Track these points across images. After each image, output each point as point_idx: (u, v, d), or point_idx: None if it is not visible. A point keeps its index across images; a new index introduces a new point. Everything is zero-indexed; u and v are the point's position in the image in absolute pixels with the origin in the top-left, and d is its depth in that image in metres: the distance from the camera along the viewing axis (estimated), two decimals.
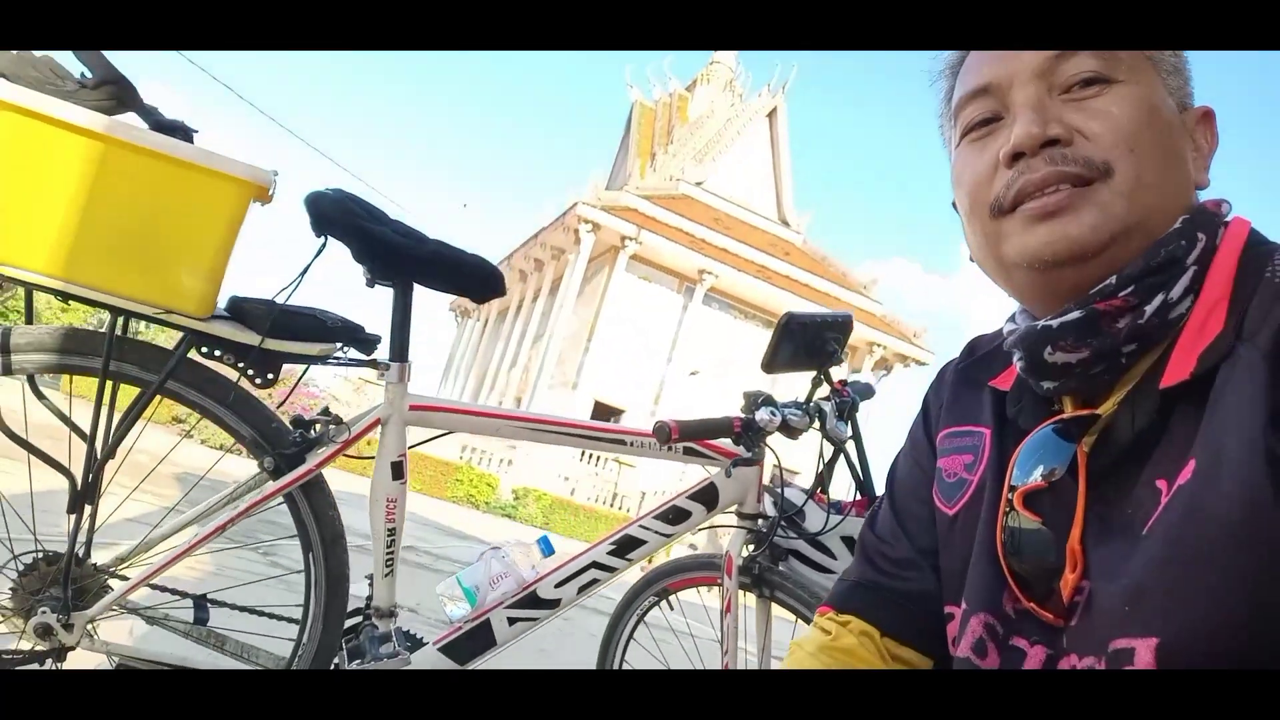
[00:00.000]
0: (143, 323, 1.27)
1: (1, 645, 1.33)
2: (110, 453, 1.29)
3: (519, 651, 1.55)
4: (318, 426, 1.38)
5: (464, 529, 10.08)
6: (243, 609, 1.44)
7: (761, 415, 1.49)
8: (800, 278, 23.10)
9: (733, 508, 1.64)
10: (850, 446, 1.64)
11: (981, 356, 0.80)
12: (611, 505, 18.15)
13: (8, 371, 1.24)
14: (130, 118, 1.19)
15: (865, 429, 1.69)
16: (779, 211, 25.84)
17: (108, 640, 1.33)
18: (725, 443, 1.59)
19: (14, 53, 1.11)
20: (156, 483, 1.54)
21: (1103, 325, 0.60)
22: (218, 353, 1.28)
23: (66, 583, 1.27)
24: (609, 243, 21.55)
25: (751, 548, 1.62)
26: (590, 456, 19.89)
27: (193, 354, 1.29)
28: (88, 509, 1.28)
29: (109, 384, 1.27)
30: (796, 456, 1.62)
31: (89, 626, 1.30)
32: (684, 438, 1.41)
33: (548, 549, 1.61)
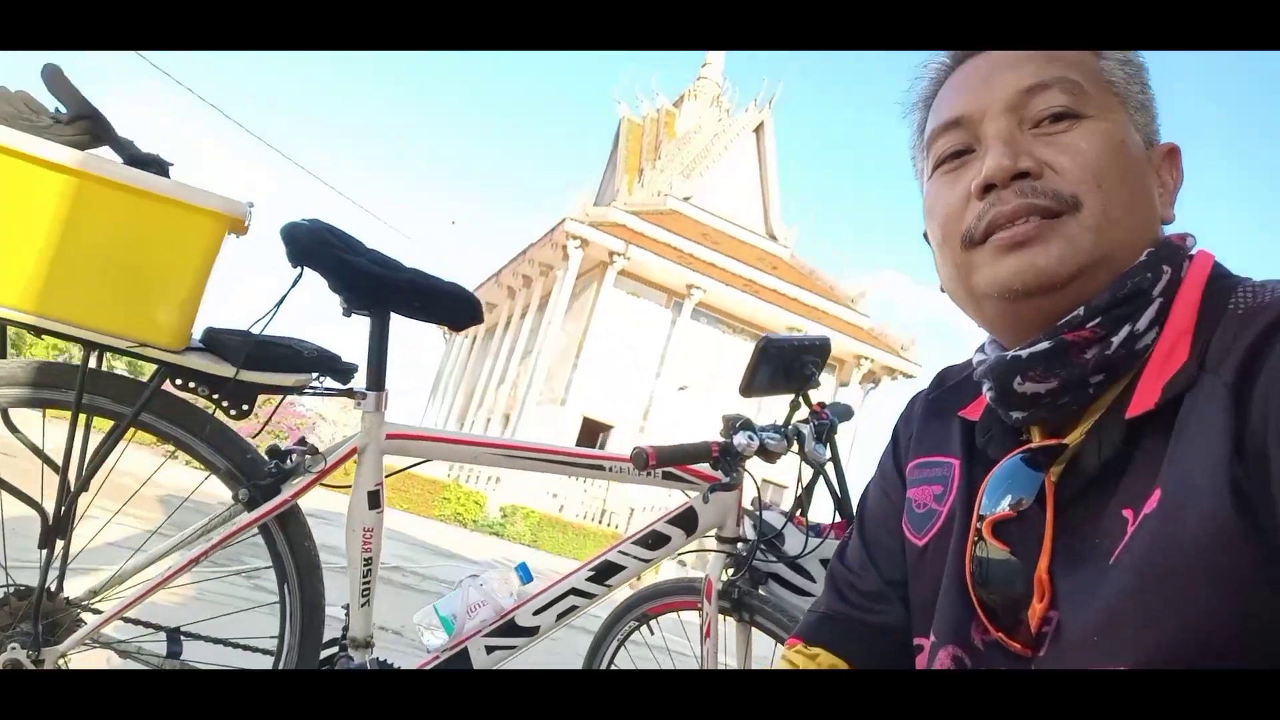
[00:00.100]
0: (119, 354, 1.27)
1: None
2: (84, 486, 1.28)
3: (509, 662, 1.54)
4: (293, 457, 1.38)
5: (451, 548, 10.02)
6: (217, 641, 1.43)
7: (739, 440, 1.49)
8: (788, 292, 23.16)
9: (712, 531, 1.64)
10: (829, 469, 1.65)
11: (951, 387, 0.81)
12: (600, 522, 18.08)
13: None
14: (105, 151, 1.19)
15: (852, 442, 1.70)
16: (767, 226, 25.94)
17: None
18: (705, 466, 1.59)
19: None
20: (139, 505, 1.53)
21: (1071, 356, 0.61)
22: (192, 385, 1.27)
23: (37, 619, 1.25)
24: (597, 258, 21.57)
25: (731, 572, 1.62)
26: None
27: (167, 386, 1.28)
28: (59, 543, 1.27)
29: (83, 417, 1.26)
30: (783, 469, 1.62)
31: (60, 661, 1.29)
32: (661, 464, 1.41)
33: (526, 576, 1.61)
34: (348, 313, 1.35)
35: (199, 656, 1.43)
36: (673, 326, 22.45)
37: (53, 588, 1.30)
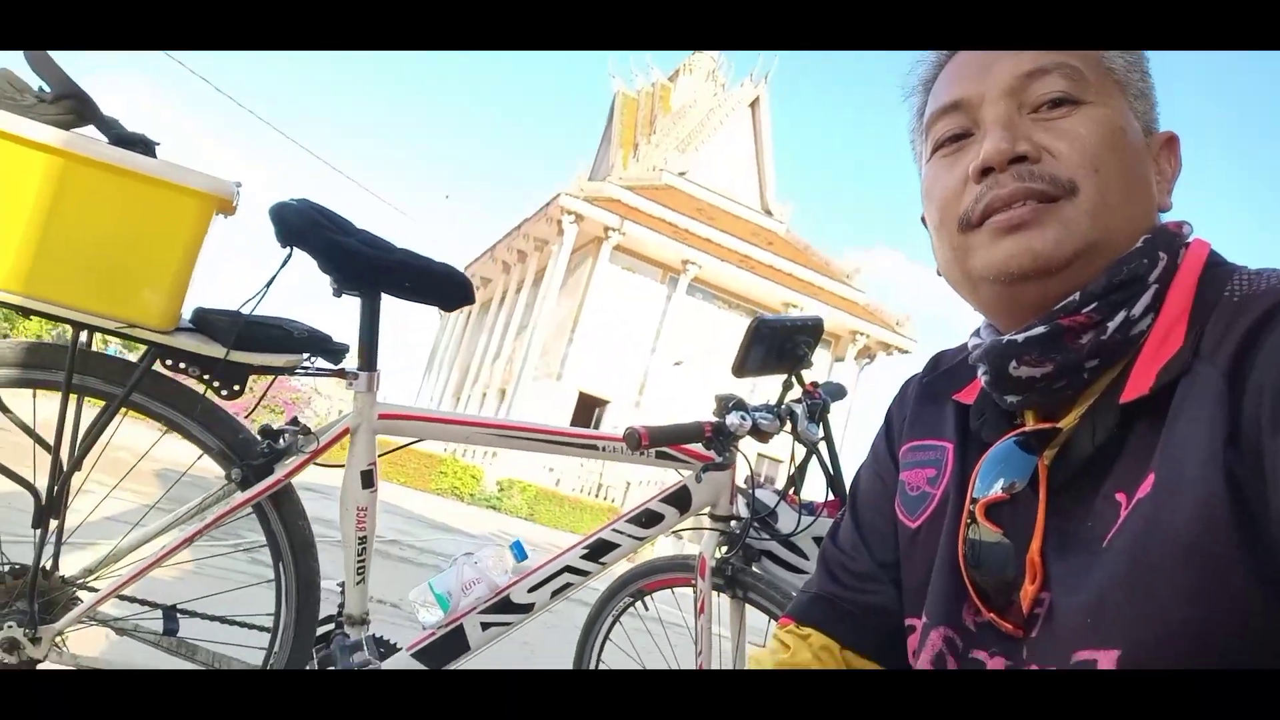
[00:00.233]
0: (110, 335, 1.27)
1: None
2: (76, 465, 1.28)
3: (503, 644, 1.55)
4: (286, 436, 1.38)
5: (448, 521, 10.07)
6: (213, 618, 1.44)
7: (732, 420, 1.50)
8: (783, 267, 23.14)
9: (706, 509, 1.65)
10: (822, 448, 1.65)
11: (945, 371, 0.81)
12: (596, 496, 18.17)
13: None
14: (91, 131, 1.18)
15: (847, 417, 1.71)
16: (762, 201, 25.86)
17: (76, 653, 1.32)
18: (698, 446, 1.60)
19: None
20: (134, 479, 1.53)
21: (1066, 341, 0.61)
22: (183, 365, 1.27)
23: (33, 597, 1.26)
24: (592, 233, 21.50)
25: (725, 549, 1.63)
26: None
27: (158, 366, 1.28)
28: (53, 523, 1.27)
29: (73, 397, 1.26)
30: (779, 444, 1.63)
31: (57, 639, 1.30)
32: (654, 444, 1.41)
33: (521, 554, 1.61)
34: (338, 293, 1.34)
35: (196, 633, 1.44)
36: (668, 302, 22.43)
37: (48, 566, 1.30)
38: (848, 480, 1.64)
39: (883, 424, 0.88)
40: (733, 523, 1.63)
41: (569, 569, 1.58)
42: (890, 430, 0.85)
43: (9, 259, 1.12)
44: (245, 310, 1.29)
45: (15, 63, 1.14)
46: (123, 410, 1.30)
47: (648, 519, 1.61)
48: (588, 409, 21.88)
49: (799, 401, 1.62)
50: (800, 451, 1.64)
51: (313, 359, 1.37)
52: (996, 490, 0.64)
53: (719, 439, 1.49)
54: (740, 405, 1.53)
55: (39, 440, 1.30)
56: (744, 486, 1.66)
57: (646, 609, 1.78)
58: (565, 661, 1.84)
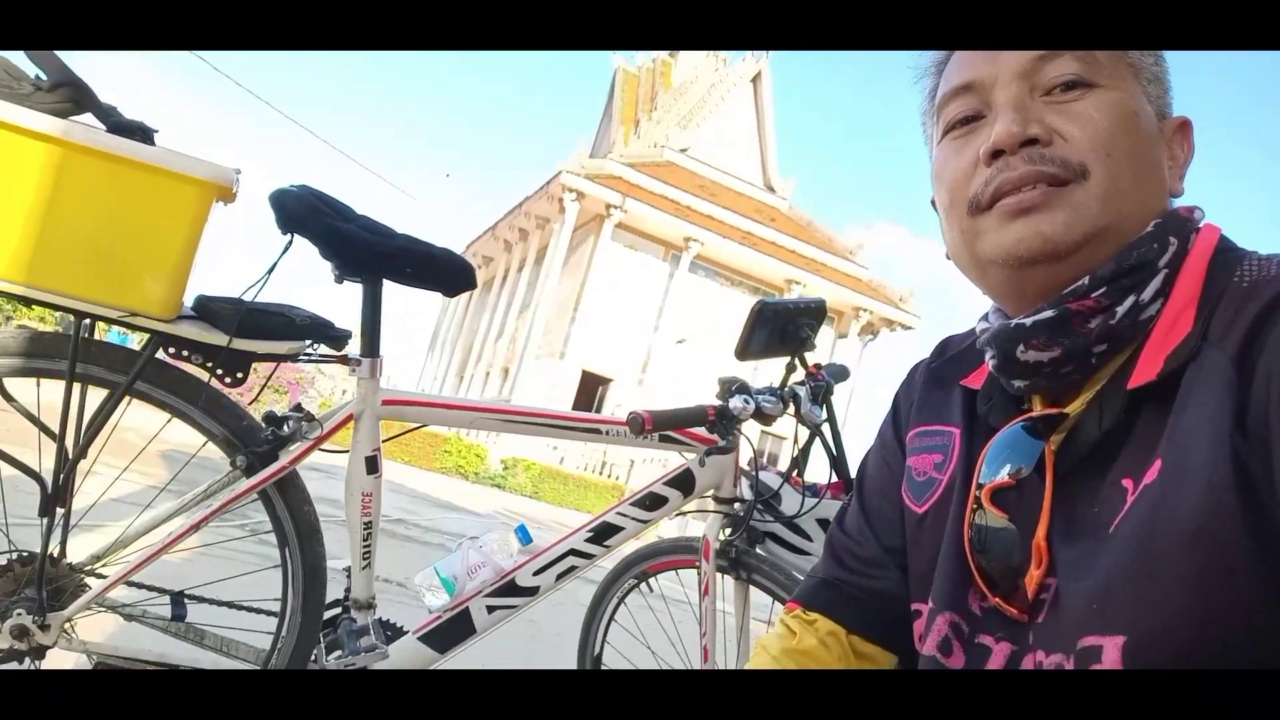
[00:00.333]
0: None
1: None
2: (81, 453, 1.29)
3: (509, 623, 1.56)
4: (289, 423, 1.38)
5: (453, 500, 10.12)
6: (220, 603, 1.45)
7: (735, 403, 1.50)
8: (786, 244, 23.03)
9: (709, 492, 1.65)
10: (825, 429, 1.65)
11: (953, 356, 0.81)
12: (600, 474, 18.23)
13: None
14: (88, 119, 1.17)
15: (850, 395, 1.72)
16: (764, 177, 25.70)
17: (85, 639, 1.33)
18: (701, 429, 1.60)
19: None
20: (141, 461, 1.54)
21: (1075, 325, 0.61)
22: (186, 353, 1.27)
23: (40, 585, 1.27)
24: (594, 211, 21.41)
25: (728, 531, 1.63)
26: None
27: (161, 354, 1.28)
28: (59, 511, 1.28)
29: (77, 386, 1.26)
30: (783, 421, 1.63)
31: (66, 626, 1.31)
32: (657, 428, 1.42)
33: (525, 538, 1.62)
34: (340, 280, 1.34)
35: (204, 619, 1.45)
36: (670, 279, 22.37)
37: (55, 553, 1.31)
38: (851, 461, 1.65)
39: (890, 409, 0.88)
40: (736, 505, 1.63)
41: (574, 552, 1.58)
42: (897, 416, 0.85)
43: (9, 249, 1.11)
44: (247, 297, 1.29)
45: (12, 51, 1.13)
46: (127, 397, 1.30)
47: (651, 502, 1.62)
48: (591, 387, 21.91)
49: (802, 384, 1.62)
50: (804, 434, 1.64)
51: (315, 345, 1.37)
52: (1003, 476, 0.64)
53: (722, 422, 1.49)
54: (743, 388, 1.53)
55: (44, 429, 1.31)
56: (747, 469, 1.66)
57: (651, 590, 1.80)
58: (572, 638, 1.86)
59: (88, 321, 1.25)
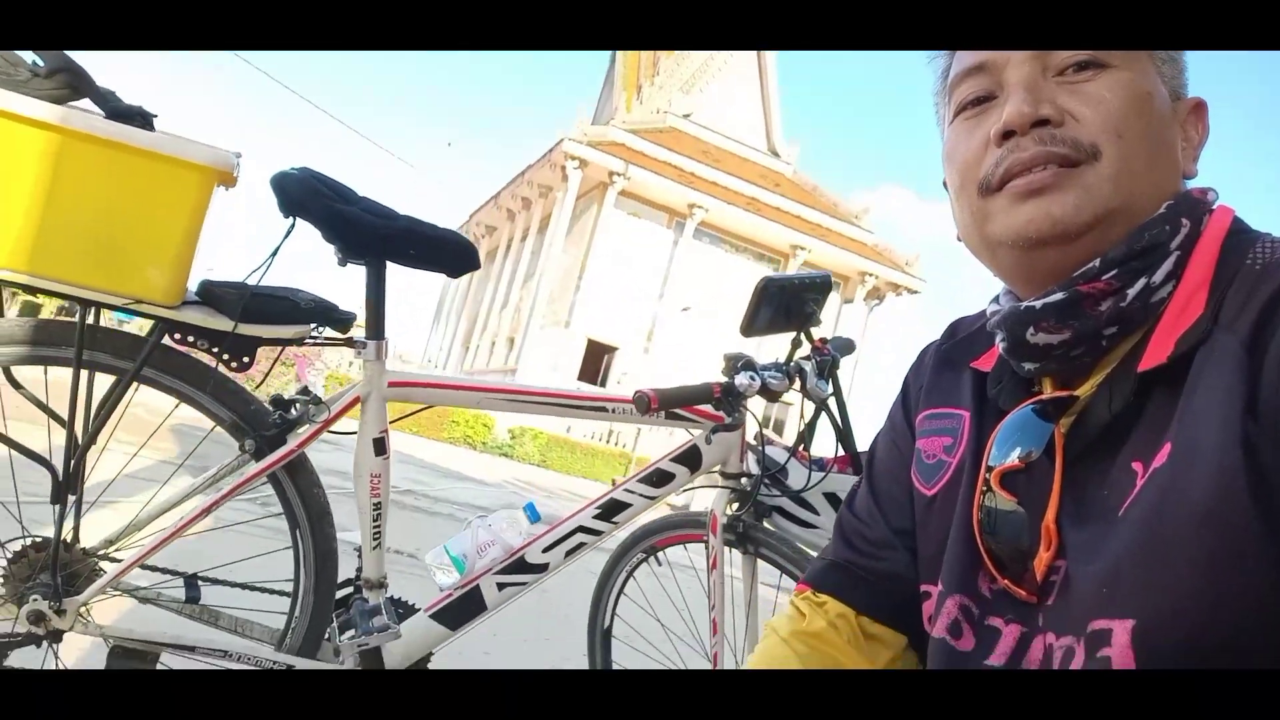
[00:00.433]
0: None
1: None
2: (91, 440, 1.29)
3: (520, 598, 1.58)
4: (296, 406, 1.38)
5: (462, 470, 10.19)
6: (234, 585, 1.46)
7: (741, 380, 1.49)
8: (791, 209, 22.89)
9: (716, 468, 1.66)
10: (832, 403, 1.65)
11: (963, 338, 0.80)
12: (607, 442, 18.31)
13: None
14: (87, 104, 1.16)
15: (856, 361, 1.71)
16: (768, 142, 25.47)
17: (102, 623, 1.35)
18: (708, 405, 1.60)
19: None
20: (157, 438, 1.55)
21: (1085, 307, 0.61)
22: (191, 339, 1.27)
23: (55, 572, 1.28)
24: (597, 179, 21.28)
25: (735, 506, 1.64)
26: None
27: (166, 340, 1.28)
28: (71, 497, 1.29)
29: (84, 373, 1.26)
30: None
31: (82, 610, 1.32)
32: (663, 406, 1.42)
33: (534, 515, 1.63)
34: (343, 263, 1.34)
35: (218, 600, 1.47)
36: (675, 247, 22.28)
37: (68, 539, 1.32)
38: (858, 433, 1.65)
39: (899, 392, 0.87)
40: (743, 480, 1.64)
41: (582, 529, 1.59)
42: (907, 398, 0.85)
43: (10, 238, 1.11)
44: (250, 282, 1.28)
45: None
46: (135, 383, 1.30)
47: (659, 478, 1.62)
48: (596, 356, 21.93)
49: (808, 359, 1.62)
50: (810, 408, 1.64)
51: (320, 329, 1.37)
52: (1013, 459, 0.64)
53: (728, 399, 1.49)
54: (749, 365, 1.52)
55: (53, 415, 1.31)
56: (754, 443, 1.66)
57: (660, 564, 1.81)
58: (583, 606, 1.87)
59: (92, 308, 1.25)
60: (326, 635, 1.46)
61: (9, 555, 1.31)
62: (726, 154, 23.57)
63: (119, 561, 1.34)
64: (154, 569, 1.43)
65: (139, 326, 1.38)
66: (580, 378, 21.18)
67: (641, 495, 1.62)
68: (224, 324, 1.26)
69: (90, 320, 1.25)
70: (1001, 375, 0.71)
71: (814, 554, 1.57)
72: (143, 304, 1.20)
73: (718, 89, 24.50)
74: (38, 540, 1.32)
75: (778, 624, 0.85)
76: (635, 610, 1.82)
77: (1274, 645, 0.48)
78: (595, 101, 28.21)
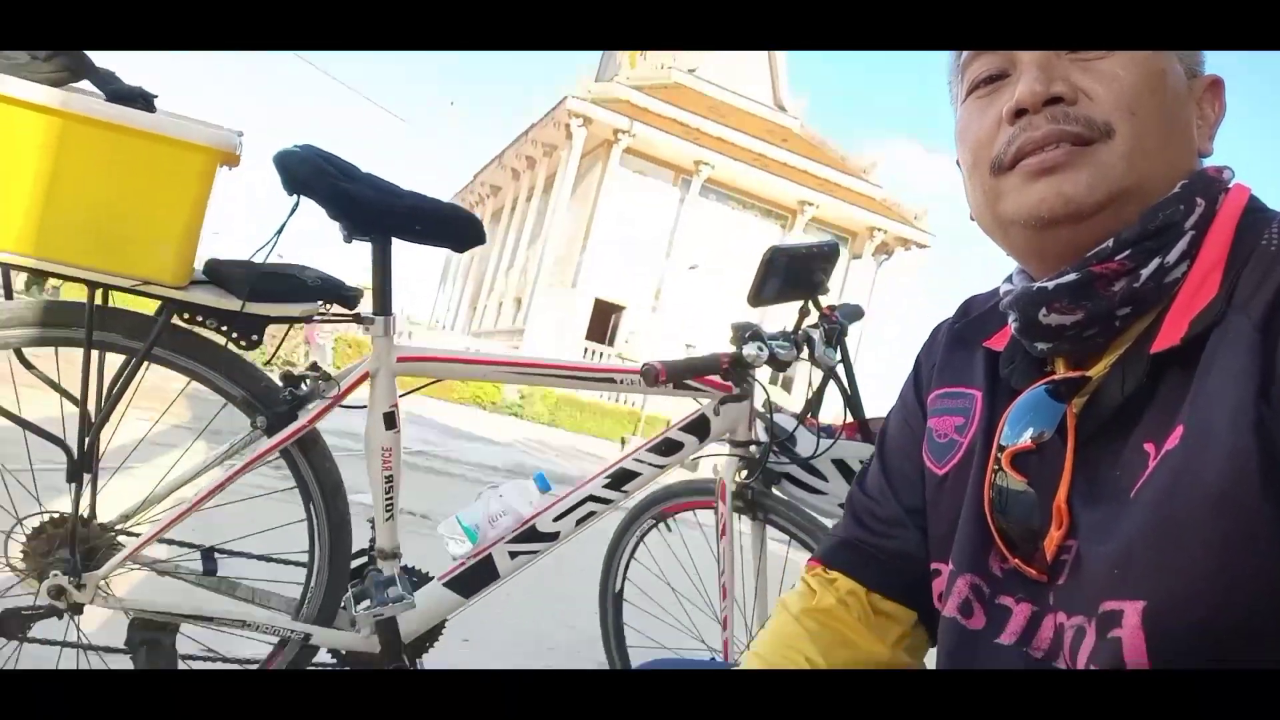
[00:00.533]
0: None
1: (22, 602, 1.38)
2: (104, 419, 1.31)
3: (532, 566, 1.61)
4: (307, 382, 1.39)
5: (473, 430, 10.25)
6: (250, 556, 1.49)
7: (749, 350, 1.49)
8: (798, 164, 22.63)
9: (725, 436, 1.66)
10: (840, 370, 1.65)
11: (976, 317, 0.80)
12: (616, 401, 18.37)
13: None
14: (87, 86, 1.15)
15: (863, 322, 1.72)
16: (774, 96, 25.11)
17: (122, 596, 1.38)
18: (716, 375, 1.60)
19: None
20: (165, 402, 1.57)
21: (1098, 288, 0.60)
22: (200, 319, 1.28)
23: (74, 548, 1.30)
24: (602, 137, 21.05)
25: (744, 474, 1.65)
26: (594, 352, 20.01)
27: (176, 319, 1.29)
28: (86, 475, 1.30)
29: (95, 353, 1.27)
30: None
31: (101, 584, 1.35)
32: (671, 378, 1.42)
33: (544, 485, 1.65)
34: (349, 239, 1.33)
35: (235, 572, 1.50)
36: (681, 205, 22.10)
37: (85, 514, 1.34)
38: (865, 397, 1.66)
39: (911, 371, 0.87)
40: (752, 447, 1.65)
41: (592, 498, 1.61)
42: (919, 377, 0.85)
43: (15, 222, 1.11)
44: (257, 260, 1.28)
45: None
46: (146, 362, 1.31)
47: (668, 447, 1.63)
48: (604, 315, 21.91)
49: (816, 327, 1.62)
50: (818, 376, 1.64)
51: (328, 305, 1.37)
52: (1025, 439, 0.64)
53: (736, 370, 1.49)
54: (757, 335, 1.52)
55: (67, 395, 1.33)
56: (762, 410, 1.67)
57: (670, 530, 1.83)
58: (594, 572, 1.90)
59: (101, 289, 1.25)
60: (342, 604, 1.48)
61: (28, 531, 1.33)
62: (732, 109, 23.25)
63: (136, 536, 1.37)
64: (171, 542, 1.45)
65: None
66: (588, 337, 21.18)
67: (650, 464, 1.63)
68: (232, 303, 1.26)
69: (100, 301, 1.26)
70: (1014, 355, 0.71)
71: (823, 520, 1.59)
72: (150, 285, 1.20)
73: None
74: (56, 516, 1.34)
75: (789, 601, 0.86)
76: (646, 574, 1.84)
77: None
78: (598, 57, 27.79)
